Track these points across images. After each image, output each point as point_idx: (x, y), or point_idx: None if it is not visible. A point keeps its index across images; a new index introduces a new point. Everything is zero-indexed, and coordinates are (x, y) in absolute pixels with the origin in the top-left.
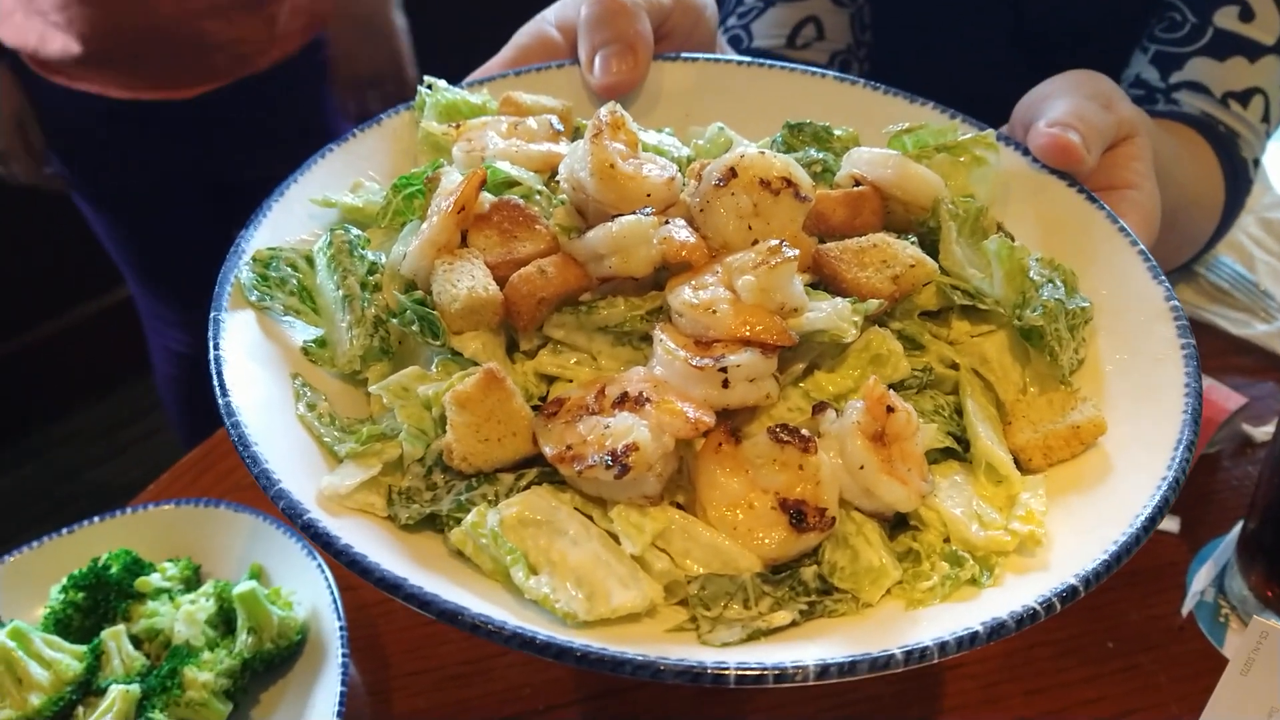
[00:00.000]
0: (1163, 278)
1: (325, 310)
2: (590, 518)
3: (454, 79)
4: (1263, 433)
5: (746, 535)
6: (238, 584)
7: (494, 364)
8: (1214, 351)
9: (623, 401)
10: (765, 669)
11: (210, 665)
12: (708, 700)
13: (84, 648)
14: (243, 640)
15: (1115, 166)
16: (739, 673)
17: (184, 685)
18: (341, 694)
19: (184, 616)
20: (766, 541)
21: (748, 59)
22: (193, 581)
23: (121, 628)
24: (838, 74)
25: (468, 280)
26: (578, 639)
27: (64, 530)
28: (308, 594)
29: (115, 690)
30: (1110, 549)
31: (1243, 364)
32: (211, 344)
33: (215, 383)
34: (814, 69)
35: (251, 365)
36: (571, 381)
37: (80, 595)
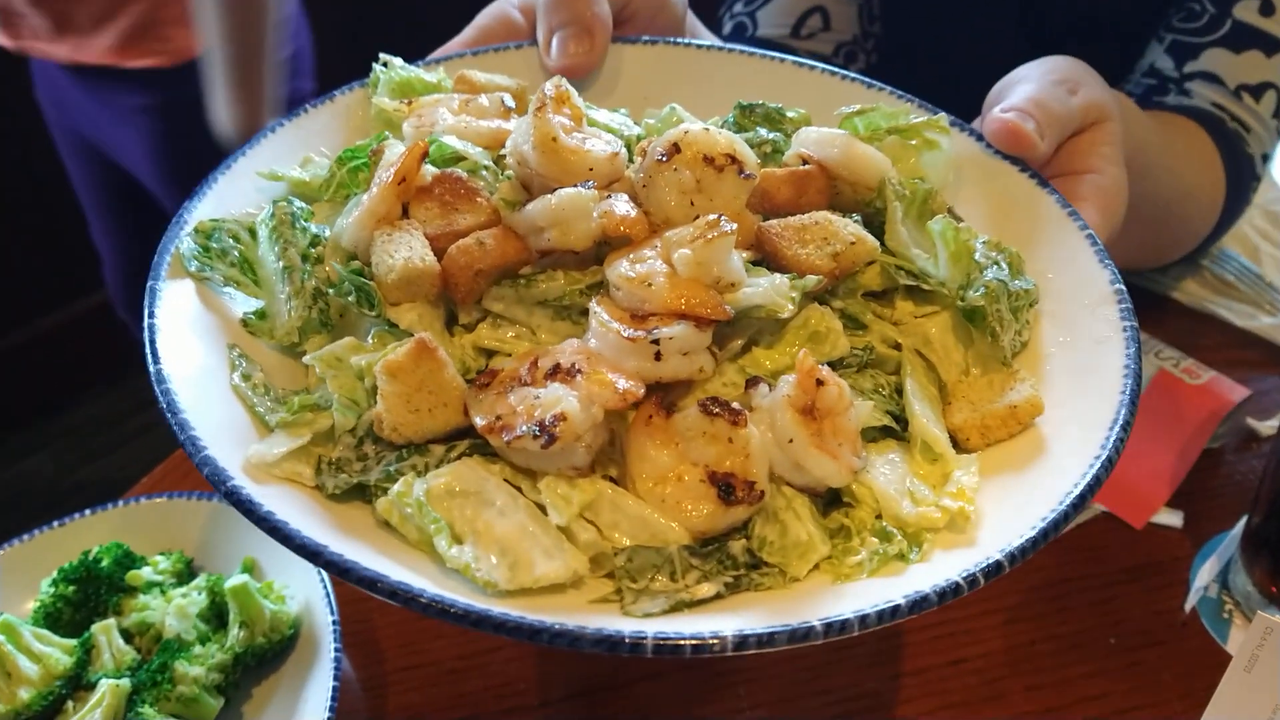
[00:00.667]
0: (1109, 261)
1: (266, 282)
2: (519, 489)
3: (416, 59)
4: (1267, 426)
5: (675, 508)
6: (230, 578)
7: (426, 334)
8: (1218, 345)
9: (555, 373)
10: (683, 639)
11: (202, 659)
12: (707, 694)
13: (74, 641)
14: (234, 634)
15: (1078, 152)
16: (656, 642)
17: (175, 679)
18: (334, 689)
19: (175, 610)
20: (694, 514)
21: (707, 43)
22: (185, 575)
23: (112, 621)
24: (796, 59)
25: (405, 251)
26: (496, 607)
27: (55, 523)
28: (301, 588)
29: (105, 684)
30: (1038, 525)
31: (1247, 357)
32: (146, 313)
33: (147, 351)
34: (772, 54)
35: (187, 335)
36: (510, 355)
37: (71, 589)
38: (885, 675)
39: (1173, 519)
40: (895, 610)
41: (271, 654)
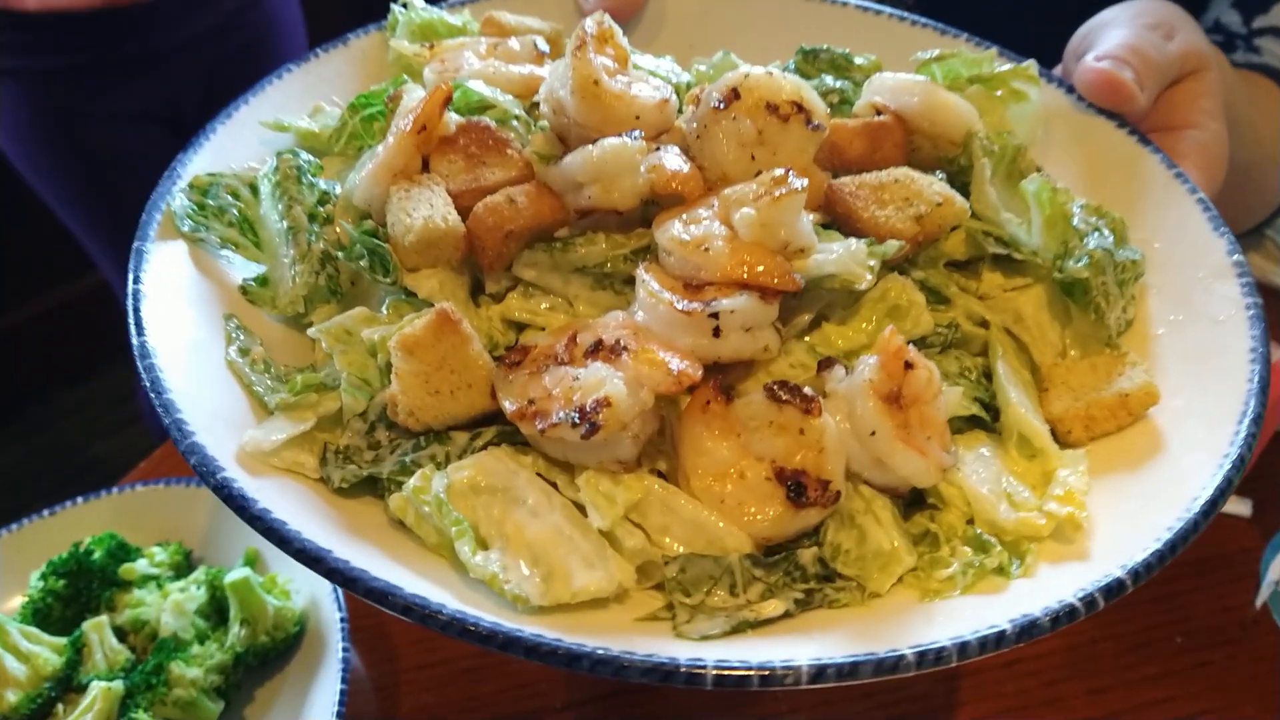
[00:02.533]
0: (1225, 229)
1: (268, 244)
2: (555, 485)
3: (435, 2)
4: None
5: (736, 510)
6: (231, 571)
7: (448, 304)
8: None
9: (597, 351)
10: (750, 669)
11: (200, 660)
12: (739, 698)
13: (64, 640)
14: (235, 632)
15: (1176, 104)
16: (718, 673)
17: (171, 682)
18: (342, 691)
19: (172, 606)
20: (759, 518)
21: None
22: (183, 568)
23: (104, 618)
24: (860, 2)
25: (425, 209)
26: (529, 626)
27: (45, 512)
28: (306, 582)
29: (96, 687)
30: (1163, 537)
31: None
32: (131, 277)
33: (131, 320)
34: None
35: (177, 303)
36: (543, 329)
37: (61, 583)
38: (935, 677)
39: (1241, 507)
40: (1000, 638)
41: (275, 653)
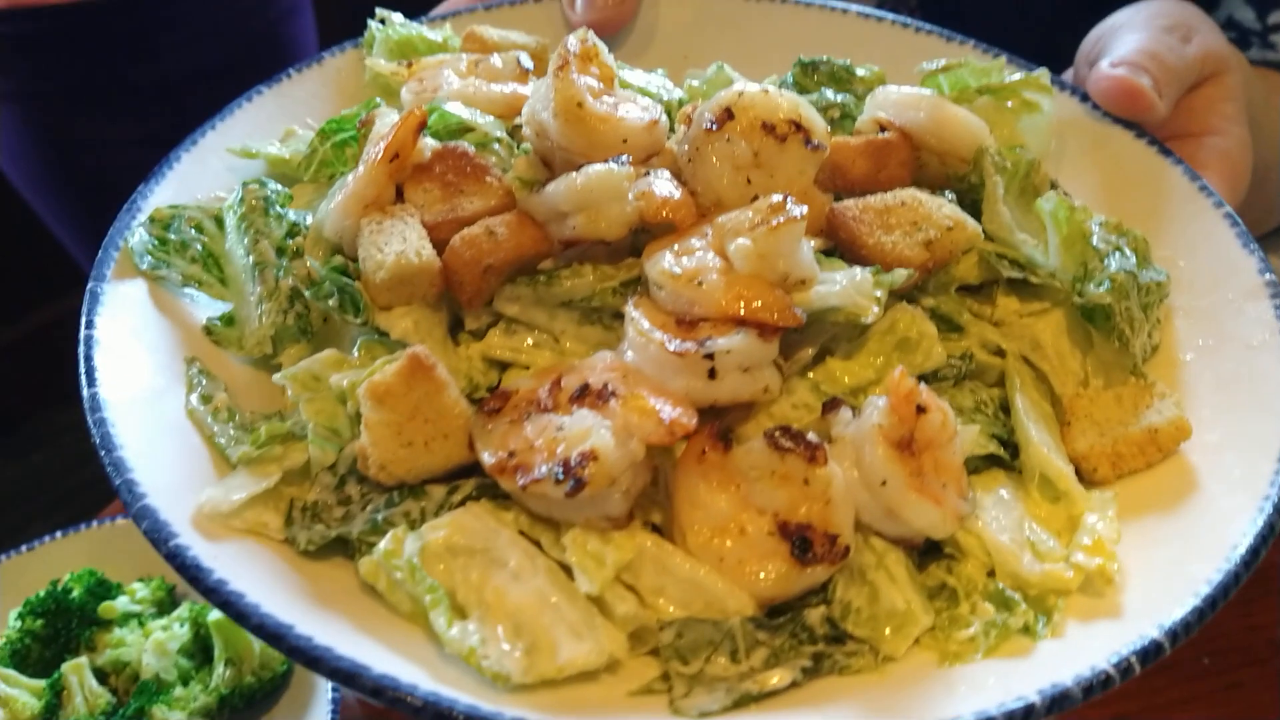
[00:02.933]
0: (1255, 245)
1: (233, 281)
2: (539, 544)
3: (415, 15)
4: None
5: (736, 568)
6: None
7: (421, 347)
8: None
9: (583, 396)
10: None
11: (183, 703)
12: None
13: (43, 682)
14: (220, 673)
15: (1196, 109)
16: None
17: None
18: None
19: (154, 646)
20: (761, 576)
21: None
22: (166, 604)
23: (84, 659)
24: (862, 9)
25: (398, 243)
26: (510, 709)
27: (22, 548)
28: None
29: None
30: (1202, 591)
31: None
32: (84, 321)
33: (82, 369)
34: (834, 4)
35: (134, 348)
36: (528, 368)
37: (39, 623)
38: None
39: None
40: (1029, 712)
41: (262, 694)
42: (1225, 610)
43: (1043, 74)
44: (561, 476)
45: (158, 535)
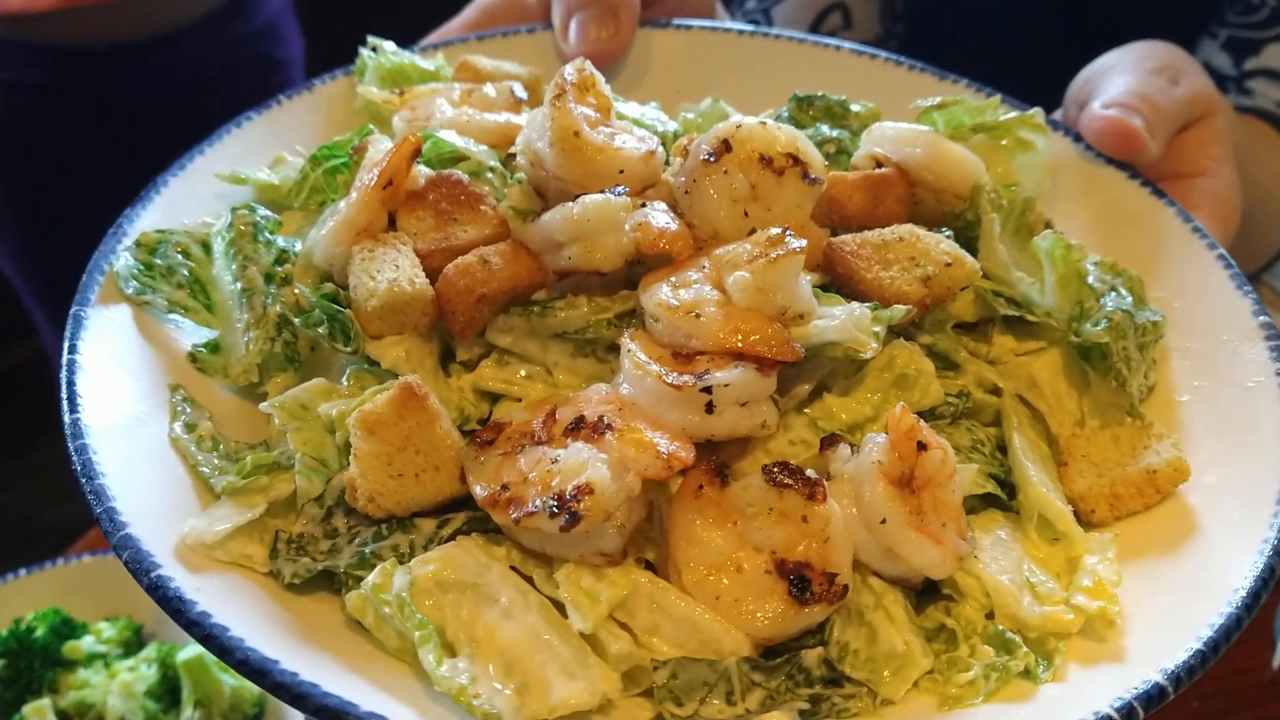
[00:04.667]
0: (1248, 287)
1: (220, 307)
2: (531, 580)
3: (406, 44)
4: None
5: (732, 607)
6: (184, 647)
7: (412, 377)
8: None
9: (578, 429)
10: None
11: None
12: None
13: None
14: (188, 716)
15: (1185, 151)
16: None
17: None
18: None
19: (120, 688)
20: (758, 615)
21: (749, 28)
22: (133, 644)
23: (47, 701)
24: (855, 46)
25: (390, 271)
26: None
27: None
28: None
29: None
30: (1204, 635)
31: None
32: (67, 346)
33: (64, 395)
34: (827, 40)
35: (118, 375)
36: (520, 400)
37: (0, 663)
38: None
39: None
40: None
41: None
42: None
43: (1037, 113)
44: (556, 510)
45: (139, 566)
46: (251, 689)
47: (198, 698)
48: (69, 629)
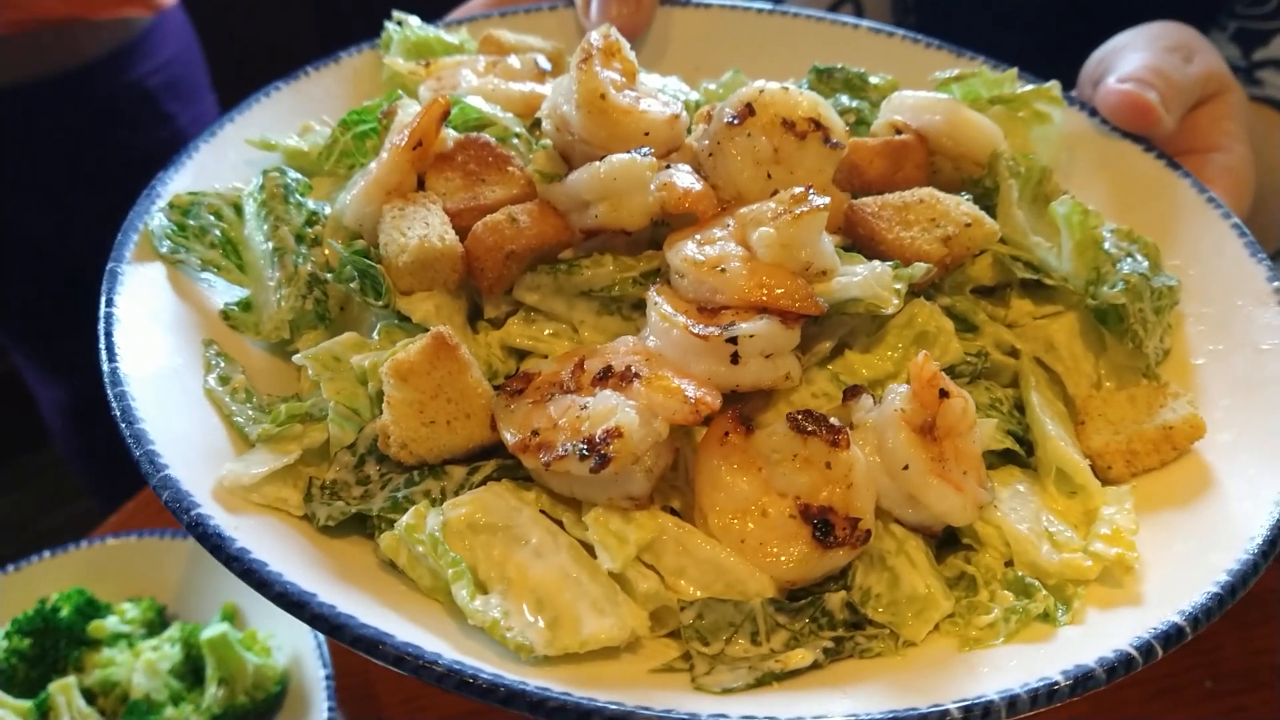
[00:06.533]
0: (1263, 255)
1: (252, 266)
2: (560, 523)
3: (430, 20)
4: None
5: (757, 550)
6: (207, 627)
7: (444, 328)
8: None
9: (606, 378)
10: None
11: None
12: None
13: (29, 703)
14: (212, 693)
15: (1199, 127)
16: None
17: None
18: None
19: (144, 666)
20: (783, 559)
21: (768, 6)
22: (156, 625)
23: (73, 679)
24: (873, 24)
25: (420, 228)
26: (534, 679)
27: (9, 567)
28: (288, 638)
29: None
30: (1221, 579)
31: None
32: (104, 300)
33: (103, 345)
34: (845, 19)
35: (153, 328)
36: (546, 357)
37: (26, 642)
38: None
39: None
40: (1052, 691)
41: (255, 714)
42: (1228, 634)
43: (1054, 86)
44: (586, 453)
45: (179, 505)
46: (274, 667)
47: (221, 675)
48: (93, 609)
